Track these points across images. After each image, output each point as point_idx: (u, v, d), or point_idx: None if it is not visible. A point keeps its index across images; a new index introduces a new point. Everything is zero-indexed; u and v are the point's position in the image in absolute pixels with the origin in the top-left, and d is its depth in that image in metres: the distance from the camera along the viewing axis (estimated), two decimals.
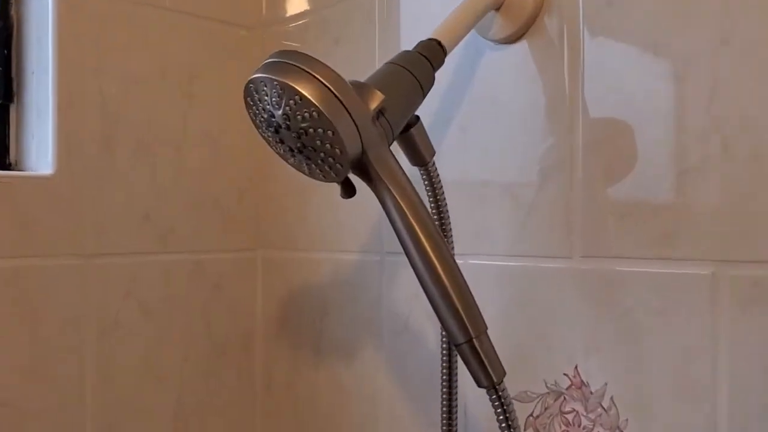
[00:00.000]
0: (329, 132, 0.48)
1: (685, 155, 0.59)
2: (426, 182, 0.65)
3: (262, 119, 0.51)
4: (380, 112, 0.50)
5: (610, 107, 0.63)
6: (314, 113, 0.47)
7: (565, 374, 0.65)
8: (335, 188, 0.53)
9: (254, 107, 0.51)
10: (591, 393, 0.63)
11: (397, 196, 0.49)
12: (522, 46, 0.68)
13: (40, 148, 0.84)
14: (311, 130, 0.48)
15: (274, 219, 0.95)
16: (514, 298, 0.69)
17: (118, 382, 0.86)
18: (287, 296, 0.93)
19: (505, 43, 0.70)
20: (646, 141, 0.61)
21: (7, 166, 0.87)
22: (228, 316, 0.95)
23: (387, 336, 0.81)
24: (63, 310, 0.82)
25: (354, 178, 0.52)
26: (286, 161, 0.53)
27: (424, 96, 0.58)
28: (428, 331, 0.78)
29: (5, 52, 0.85)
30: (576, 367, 0.65)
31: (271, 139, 0.52)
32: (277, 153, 0.53)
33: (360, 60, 0.83)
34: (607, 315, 0.64)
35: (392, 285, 0.80)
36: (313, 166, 0.51)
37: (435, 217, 0.66)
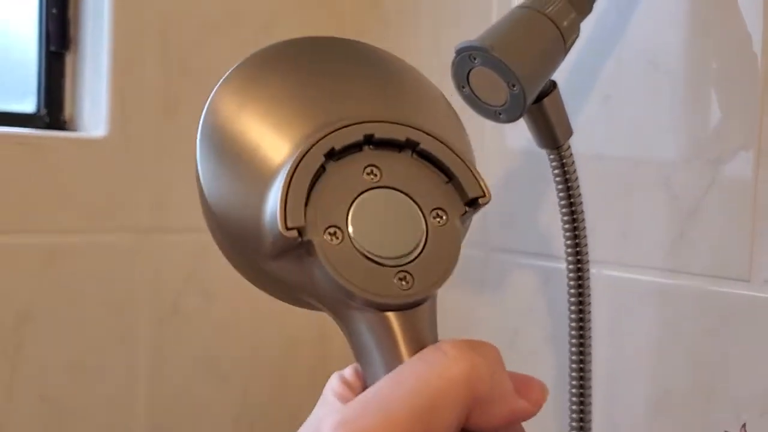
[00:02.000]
0: None
1: None
2: (556, 170, 0.54)
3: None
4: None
5: None
6: None
7: None
8: None
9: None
10: None
11: None
12: None
13: (94, 106, 0.79)
14: None
15: None
16: (667, 328, 0.61)
17: (174, 376, 0.83)
18: None
19: None
20: None
21: (62, 124, 0.82)
22: None
23: None
24: (113, 294, 0.78)
25: None
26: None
27: (567, 51, 0.48)
28: (545, 355, 0.70)
29: None
30: (744, 426, 0.57)
31: None
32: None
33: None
34: None
35: (499, 292, 0.74)
36: None
37: (566, 214, 0.58)
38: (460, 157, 0.27)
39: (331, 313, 0.27)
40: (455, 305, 0.78)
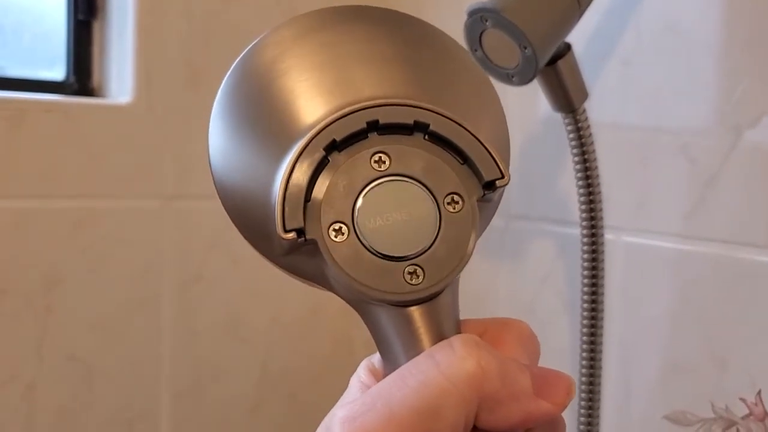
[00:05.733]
0: None
1: None
2: (572, 134, 0.54)
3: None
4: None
5: None
6: None
7: (742, 399, 0.57)
8: None
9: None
10: None
11: None
12: None
13: (120, 73, 0.80)
14: None
15: None
16: (685, 294, 0.61)
17: (198, 339, 0.83)
18: None
19: None
20: None
21: (90, 91, 0.83)
22: None
23: None
24: (139, 258, 0.79)
25: None
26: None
27: (582, 13, 0.47)
28: (561, 321, 0.70)
29: None
30: (759, 394, 0.56)
31: None
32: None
33: None
34: None
35: (517, 260, 0.73)
36: None
37: (581, 179, 0.57)
38: (476, 137, 0.25)
39: (350, 304, 0.26)
40: (474, 272, 0.77)
